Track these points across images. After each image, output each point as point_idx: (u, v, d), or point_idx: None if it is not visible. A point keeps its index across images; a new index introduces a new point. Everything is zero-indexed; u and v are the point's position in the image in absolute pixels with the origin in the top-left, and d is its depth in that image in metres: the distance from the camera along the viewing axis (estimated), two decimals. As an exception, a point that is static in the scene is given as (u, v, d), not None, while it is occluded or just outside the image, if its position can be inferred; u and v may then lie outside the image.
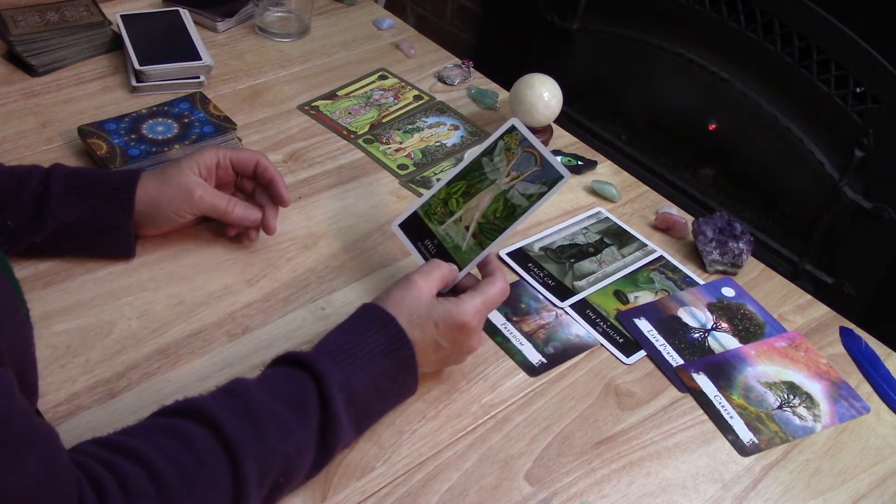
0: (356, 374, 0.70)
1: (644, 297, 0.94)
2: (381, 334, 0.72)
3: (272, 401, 0.66)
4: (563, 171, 0.80)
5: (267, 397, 0.66)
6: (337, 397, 0.68)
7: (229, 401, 0.65)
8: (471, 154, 0.87)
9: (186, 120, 1.04)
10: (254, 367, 0.80)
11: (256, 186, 0.93)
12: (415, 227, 0.86)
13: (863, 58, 1.24)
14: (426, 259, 0.83)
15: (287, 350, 0.72)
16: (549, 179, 0.81)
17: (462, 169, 0.86)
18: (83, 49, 1.17)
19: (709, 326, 0.92)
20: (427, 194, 0.87)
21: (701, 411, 0.83)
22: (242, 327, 0.84)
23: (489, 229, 0.81)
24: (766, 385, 0.86)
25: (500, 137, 0.85)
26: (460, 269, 0.81)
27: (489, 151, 0.85)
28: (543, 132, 1.14)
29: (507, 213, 0.81)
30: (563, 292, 0.93)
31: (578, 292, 0.94)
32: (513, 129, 0.85)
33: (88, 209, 0.83)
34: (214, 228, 0.94)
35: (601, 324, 0.90)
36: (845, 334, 0.93)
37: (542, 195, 0.80)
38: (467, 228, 0.82)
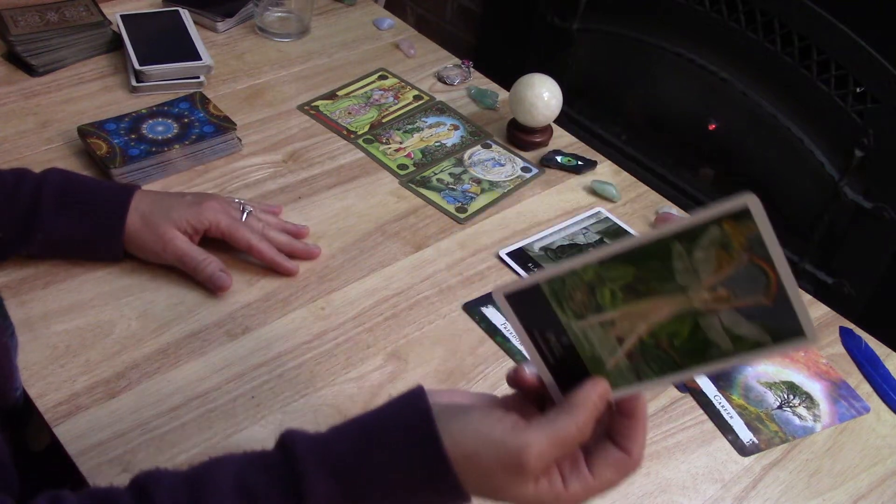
0: None
1: (644, 297, 0.94)
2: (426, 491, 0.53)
3: None
4: (810, 328, 0.49)
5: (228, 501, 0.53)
6: None
7: (184, 490, 0.54)
8: (654, 234, 0.50)
9: (186, 120, 1.04)
10: (254, 366, 0.80)
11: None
12: (531, 307, 0.56)
13: (863, 58, 1.24)
14: (543, 359, 0.57)
15: (288, 427, 0.56)
16: (781, 330, 0.49)
17: (633, 247, 0.51)
18: (83, 49, 1.17)
19: (709, 326, 0.92)
20: (561, 265, 0.53)
21: (701, 411, 0.83)
22: (242, 327, 0.84)
23: (658, 357, 0.53)
24: (765, 385, 0.86)
25: (718, 222, 0.48)
26: None
27: (690, 237, 0.49)
28: (543, 132, 1.14)
29: (693, 347, 0.52)
30: (563, 292, 0.93)
31: (578, 292, 0.93)
32: (746, 213, 0.47)
33: (76, 228, 0.82)
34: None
35: (601, 324, 0.90)
36: (845, 334, 0.93)
37: (759, 347, 0.50)
38: (621, 341, 0.54)
